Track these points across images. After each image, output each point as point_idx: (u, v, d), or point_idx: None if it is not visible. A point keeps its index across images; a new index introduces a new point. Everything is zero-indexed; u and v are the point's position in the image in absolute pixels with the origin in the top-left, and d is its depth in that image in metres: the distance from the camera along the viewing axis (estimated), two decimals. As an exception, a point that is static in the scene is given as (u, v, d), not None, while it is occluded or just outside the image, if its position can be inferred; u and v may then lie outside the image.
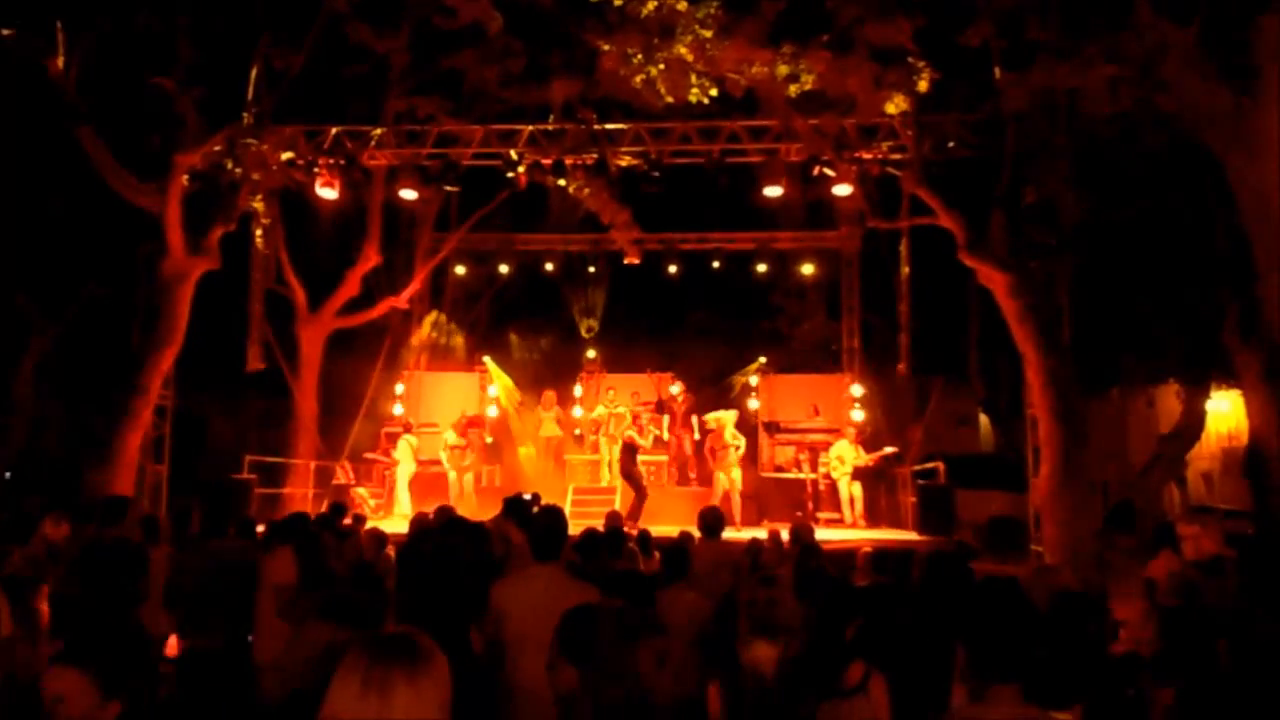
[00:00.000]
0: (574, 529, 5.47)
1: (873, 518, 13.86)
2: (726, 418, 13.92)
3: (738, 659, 5.16)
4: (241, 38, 12.26)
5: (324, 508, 10.25)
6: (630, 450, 13.07)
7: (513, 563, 5.20)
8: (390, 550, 7.77)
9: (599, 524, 7.60)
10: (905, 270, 15.03)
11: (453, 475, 14.18)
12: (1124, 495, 10.37)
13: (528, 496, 8.76)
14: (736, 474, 13.41)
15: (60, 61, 10.97)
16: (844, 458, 13.57)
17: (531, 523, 4.67)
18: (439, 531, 6.56)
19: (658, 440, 15.63)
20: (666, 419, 15.44)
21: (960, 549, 7.65)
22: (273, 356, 14.58)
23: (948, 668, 2.20)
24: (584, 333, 20.26)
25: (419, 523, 7.23)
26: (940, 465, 13.09)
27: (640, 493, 12.50)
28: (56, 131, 11.44)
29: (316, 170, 12.53)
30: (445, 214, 17.73)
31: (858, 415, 15.89)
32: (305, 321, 15.60)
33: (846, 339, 17.88)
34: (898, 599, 5.07)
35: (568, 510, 11.94)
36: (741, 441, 13.65)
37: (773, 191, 12.83)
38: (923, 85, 10.66)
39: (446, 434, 14.55)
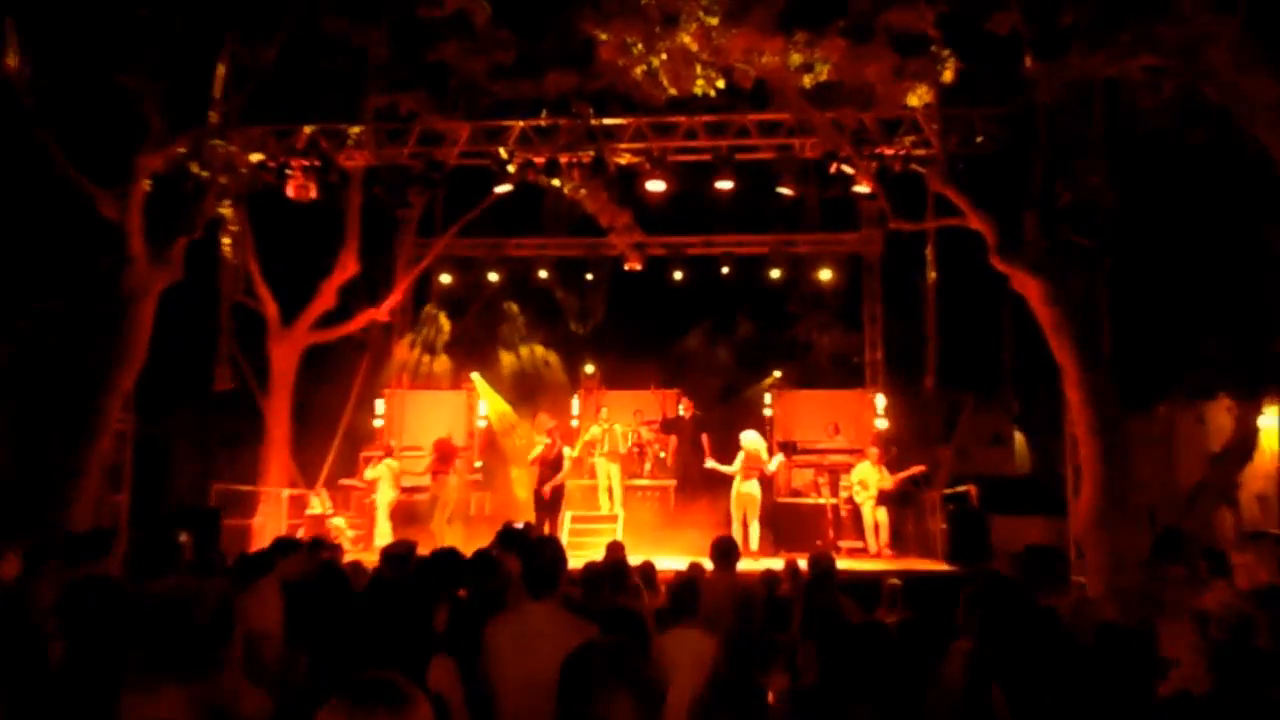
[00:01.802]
0: (572, 560, 5.47)
1: (900, 546, 13.83)
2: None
3: (751, 701, 5.13)
4: (208, 31, 12.33)
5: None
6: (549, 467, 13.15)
7: (509, 597, 5.20)
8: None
9: (598, 555, 7.60)
10: (932, 276, 15.10)
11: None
12: (1172, 521, 10.36)
13: (520, 526, 8.79)
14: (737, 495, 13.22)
15: (13, 60, 11.05)
16: (867, 481, 13.48)
17: (528, 554, 4.66)
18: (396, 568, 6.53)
19: (660, 463, 15.61)
20: (674, 440, 15.44)
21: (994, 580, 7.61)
22: (242, 375, 14.62)
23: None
24: (573, 327, 20.23)
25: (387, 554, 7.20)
26: (972, 488, 13.06)
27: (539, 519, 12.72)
28: (7, 134, 11.50)
29: (289, 173, 12.57)
30: (429, 218, 17.79)
31: (881, 424, 15.91)
32: (277, 337, 15.65)
33: (869, 351, 17.90)
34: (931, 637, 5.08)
35: (565, 540, 11.96)
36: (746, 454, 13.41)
37: (786, 191, 12.90)
38: (947, 75, 10.75)
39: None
